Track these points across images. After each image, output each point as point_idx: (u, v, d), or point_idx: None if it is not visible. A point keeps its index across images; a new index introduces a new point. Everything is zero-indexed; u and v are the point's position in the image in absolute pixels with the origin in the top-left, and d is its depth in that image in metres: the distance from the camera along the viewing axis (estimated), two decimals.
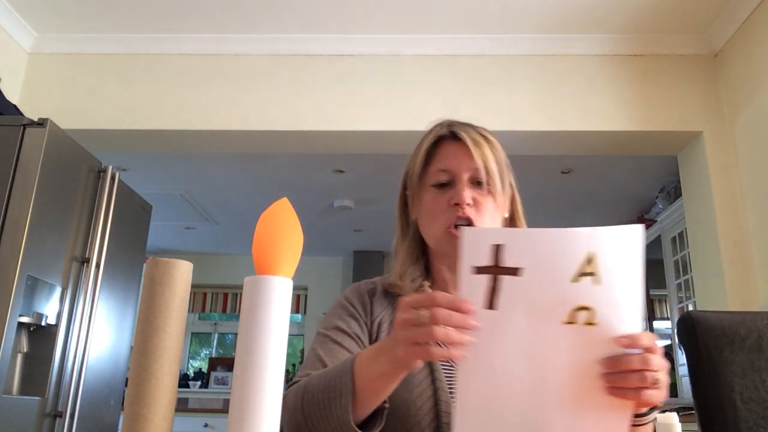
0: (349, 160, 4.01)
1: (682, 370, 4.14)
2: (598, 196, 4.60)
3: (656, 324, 4.77)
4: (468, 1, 2.80)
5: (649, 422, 0.79)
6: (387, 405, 0.85)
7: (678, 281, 4.13)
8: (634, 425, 0.77)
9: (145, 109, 3.05)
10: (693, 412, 1.07)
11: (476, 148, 1.03)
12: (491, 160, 1.03)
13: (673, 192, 4.10)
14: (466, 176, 1.03)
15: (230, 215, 5.32)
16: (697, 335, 1.05)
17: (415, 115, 2.95)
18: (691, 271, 3.28)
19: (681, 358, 4.13)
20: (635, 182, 4.32)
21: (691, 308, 3.87)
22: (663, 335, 4.72)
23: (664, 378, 0.71)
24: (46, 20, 3.03)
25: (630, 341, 0.69)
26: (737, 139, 2.83)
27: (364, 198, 4.76)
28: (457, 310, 0.69)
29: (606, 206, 4.81)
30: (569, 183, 4.33)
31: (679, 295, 4.12)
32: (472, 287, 0.71)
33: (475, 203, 1.02)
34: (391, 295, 1.08)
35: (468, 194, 1.01)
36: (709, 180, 2.85)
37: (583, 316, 0.69)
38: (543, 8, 2.83)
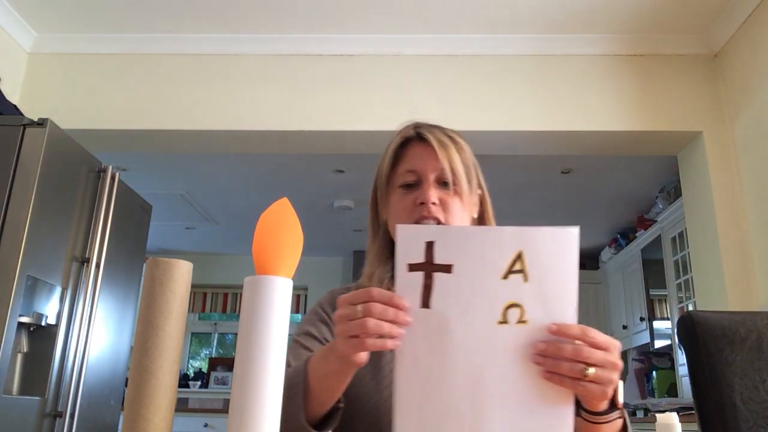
0: (349, 160, 4.01)
1: (682, 370, 4.14)
2: (598, 196, 4.60)
3: (656, 324, 4.77)
4: (468, 1, 2.80)
5: (612, 421, 0.78)
6: (341, 405, 0.86)
7: (678, 281, 4.13)
8: (593, 423, 0.77)
9: (145, 109, 3.04)
10: (693, 412, 1.07)
11: (442, 149, 1.04)
12: (457, 161, 1.04)
13: (673, 192, 4.10)
14: (432, 176, 1.04)
15: (230, 215, 5.32)
16: (697, 335, 1.06)
17: (415, 115, 2.93)
18: (691, 271, 3.28)
19: (681, 358, 4.13)
20: (635, 182, 4.32)
21: (691, 308, 3.87)
22: (663, 335, 4.72)
23: (602, 374, 0.70)
24: (46, 20, 3.03)
25: (557, 329, 0.70)
26: (737, 139, 2.83)
27: (364, 198, 4.71)
28: (391, 305, 0.71)
29: (606, 206, 4.81)
30: (569, 183, 4.33)
31: (679, 295, 4.12)
32: (407, 285, 0.72)
33: (442, 203, 1.03)
34: None
35: (434, 194, 1.02)
36: (709, 180, 2.85)
37: (514, 314, 0.71)
38: (543, 8, 2.83)
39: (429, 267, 0.71)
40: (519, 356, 0.71)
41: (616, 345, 0.73)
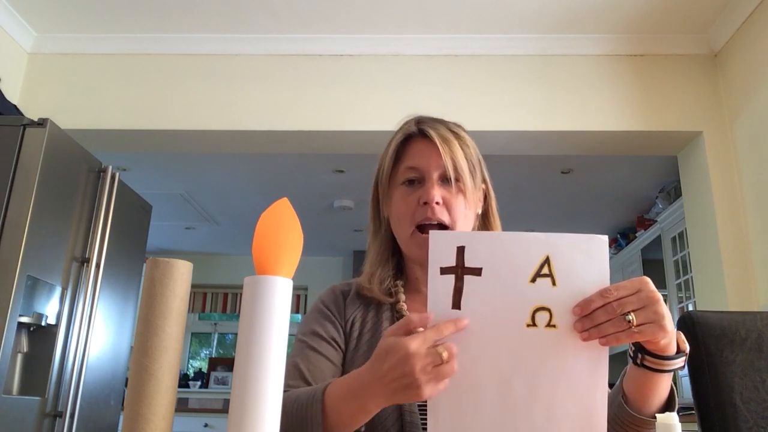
0: (349, 160, 4.01)
1: (682, 370, 4.14)
2: (598, 196, 4.60)
3: None
4: (469, 1, 2.80)
5: (673, 369, 0.78)
6: (363, 430, 0.84)
7: (678, 281, 4.13)
8: (656, 370, 0.77)
9: (145, 109, 3.04)
10: (693, 412, 1.07)
11: (444, 145, 1.02)
12: (460, 158, 1.02)
13: (673, 192, 4.10)
14: (435, 174, 1.02)
15: (230, 215, 5.32)
16: (697, 335, 1.06)
17: (415, 115, 2.94)
18: (691, 271, 3.28)
19: None
20: (635, 182, 4.32)
21: (691, 308, 3.87)
22: None
23: (644, 313, 0.70)
24: (46, 20, 3.03)
25: (580, 309, 0.72)
26: (737, 139, 2.83)
27: (364, 198, 4.72)
28: (459, 329, 0.72)
29: (606, 206, 4.81)
30: (569, 183, 4.33)
31: (679, 295, 4.12)
32: (439, 288, 0.74)
33: (445, 202, 1.01)
34: (364, 296, 1.07)
35: (437, 193, 1.00)
36: (709, 180, 2.85)
37: (542, 317, 0.73)
38: (543, 8, 2.83)
39: (460, 270, 0.74)
40: (548, 361, 0.72)
41: (641, 281, 0.72)
